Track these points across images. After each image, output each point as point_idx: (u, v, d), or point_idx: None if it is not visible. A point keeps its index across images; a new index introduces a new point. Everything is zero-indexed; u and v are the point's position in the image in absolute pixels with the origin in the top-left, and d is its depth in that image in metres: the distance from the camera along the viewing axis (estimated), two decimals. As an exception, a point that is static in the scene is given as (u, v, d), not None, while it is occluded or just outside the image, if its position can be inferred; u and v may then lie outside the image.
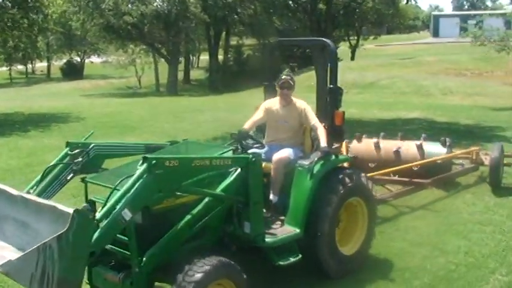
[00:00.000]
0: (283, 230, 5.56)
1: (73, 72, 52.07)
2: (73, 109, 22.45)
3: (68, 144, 5.67)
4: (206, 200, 5.02)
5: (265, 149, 6.24)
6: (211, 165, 4.94)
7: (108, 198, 4.48)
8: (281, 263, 5.35)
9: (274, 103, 6.42)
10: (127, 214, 4.27)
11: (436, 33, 74.51)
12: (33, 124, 18.31)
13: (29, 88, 41.78)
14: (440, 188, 9.20)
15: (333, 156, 5.99)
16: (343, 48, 43.16)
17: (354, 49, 45.40)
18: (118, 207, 4.26)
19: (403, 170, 9.04)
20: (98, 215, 4.22)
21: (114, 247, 4.77)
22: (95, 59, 56.55)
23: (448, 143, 9.75)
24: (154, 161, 4.42)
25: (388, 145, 9.92)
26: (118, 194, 4.37)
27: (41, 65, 61.30)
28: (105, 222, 4.19)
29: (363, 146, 10.10)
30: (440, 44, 53.77)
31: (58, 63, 57.22)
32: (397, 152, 9.62)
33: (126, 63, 42.59)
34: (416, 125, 16.01)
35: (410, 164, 9.12)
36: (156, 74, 39.66)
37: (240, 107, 21.54)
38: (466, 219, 7.94)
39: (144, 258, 4.61)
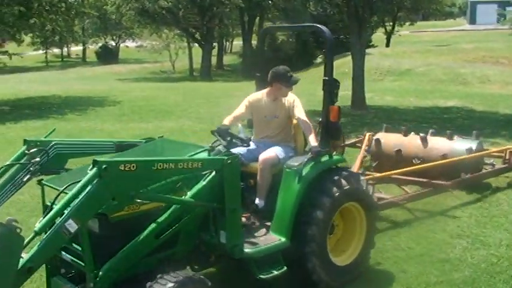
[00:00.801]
0: (267, 239, 5.02)
1: (108, 56, 52.56)
2: (109, 93, 22.67)
3: (25, 142, 5.05)
4: (174, 207, 4.43)
5: (253, 147, 5.62)
6: (177, 168, 4.31)
7: (53, 204, 4.02)
8: (262, 276, 4.82)
9: (261, 96, 5.81)
10: (72, 226, 3.72)
11: (472, 20, 72.98)
12: (70, 107, 18.54)
13: (65, 71, 42.32)
14: (465, 190, 8.39)
15: (326, 157, 5.36)
16: (379, 35, 42.60)
17: (389, 35, 44.80)
18: (62, 217, 3.74)
19: (425, 170, 8.18)
20: (37, 225, 3.74)
21: (70, 257, 4.33)
22: (129, 43, 57.00)
23: (478, 139, 8.98)
24: (105, 165, 3.85)
25: (415, 140, 9.15)
26: (63, 201, 3.85)
27: (76, 49, 62.01)
28: (45, 234, 3.70)
29: (391, 138, 9.46)
30: (476, 31, 52.70)
31: (93, 47, 57.85)
32: (423, 148, 8.90)
33: (160, 47, 42.88)
34: (454, 114, 15.75)
35: (427, 164, 8.26)
36: (190, 59, 39.78)
37: (274, 93, 21.45)
38: (507, 211, 7.77)
39: (100, 272, 4.11)
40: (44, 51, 53.99)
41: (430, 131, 9.46)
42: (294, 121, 5.68)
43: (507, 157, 9.02)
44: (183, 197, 4.48)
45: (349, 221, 5.63)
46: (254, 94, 5.89)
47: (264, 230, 5.16)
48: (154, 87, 26.92)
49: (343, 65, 28.40)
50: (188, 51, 40.62)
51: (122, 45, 57.65)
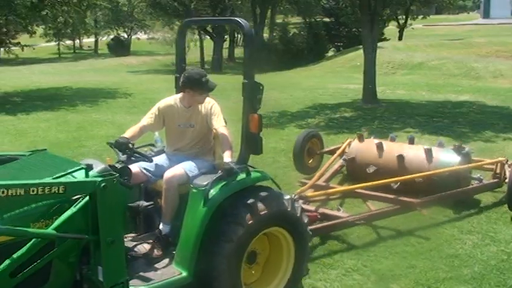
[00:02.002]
0: (166, 273, 4.33)
1: (120, 48, 52.64)
2: (120, 85, 22.72)
3: None
4: (35, 239, 3.66)
5: (163, 161, 5.02)
6: (28, 194, 3.48)
7: None
8: None
9: (173, 102, 5.07)
10: None
11: (486, 14, 72.25)
12: (81, 99, 18.59)
13: (77, 63, 42.43)
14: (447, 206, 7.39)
15: (242, 175, 4.58)
16: (391, 28, 42.35)
17: (402, 29, 44.50)
18: None
19: (405, 183, 7.35)
20: None
21: None
22: (141, 35, 57.08)
23: (464, 150, 7.77)
24: None
25: (392, 148, 8.16)
26: None
27: (88, 41, 62.20)
28: None
29: (364, 146, 8.49)
30: (490, 25, 52.21)
31: (105, 39, 57.97)
32: (400, 158, 7.82)
33: (171, 40, 42.91)
34: (466, 108, 15.63)
35: (396, 179, 7.27)
36: (201, 51, 39.77)
37: (284, 86, 21.44)
38: (518, 207, 7.71)
39: None
40: (56, 42, 54.15)
41: (408, 136, 8.65)
42: (215, 131, 4.96)
43: (498, 171, 7.91)
44: (45, 228, 3.72)
45: (275, 248, 4.91)
46: (165, 100, 5.14)
47: (166, 261, 4.50)
48: (165, 79, 26.82)
49: (355, 58, 28.37)
50: (199, 43, 40.62)
51: (133, 37, 57.73)
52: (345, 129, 12.66)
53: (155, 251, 4.57)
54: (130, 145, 4.62)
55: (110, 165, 4.22)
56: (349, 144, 8.68)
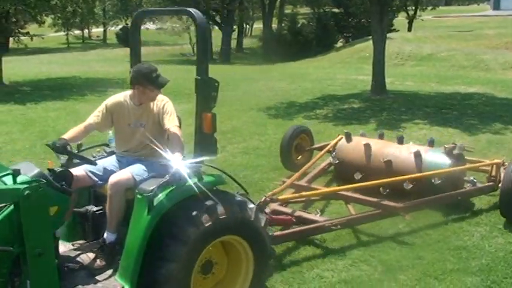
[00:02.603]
0: (105, 286, 4.05)
1: (128, 38, 52.63)
2: (128, 75, 22.66)
3: None
4: None
5: (112, 163, 4.68)
6: None
7: None
8: None
9: (123, 99, 4.72)
10: None
11: (497, 5, 71.61)
12: (90, 88, 18.63)
13: (85, 53, 42.52)
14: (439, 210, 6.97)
15: (193, 179, 4.16)
16: (401, 19, 42.13)
17: (411, 20, 44.25)
18: None
19: (393, 186, 6.92)
20: None
21: None
22: (149, 25, 57.01)
23: (457, 151, 7.30)
24: None
25: (380, 149, 7.71)
26: None
27: (97, 31, 62.22)
28: None
29: (352, 147, 8.04)
30: (500, 17, 51.83)
31: (114, 29, 58.00)
32: (388, 160, 7.42)
33: (180, 30, 42.92)
34: (475, 100, 15.55)
35: (381, 181, 6.75)
36: (210, 41, 39.74)
37: (293, 77, 21.41)
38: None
39: None
40: (65, 32, 54.23)
41: (397, 137, 8.09)
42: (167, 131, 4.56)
43: (493, 173, 7.39)
44: None
45: (234, 258, 4.54)
46: (114, 96, 4.81)
47: (109, 273, 4.17)
48: (173, 69, 26.92)
49: (363, 49, 28.26)
50: (208, 33, 40.60)
51: (142, 27, 57.65)
52: (354, 120, 12.64)
53: (98, 261, 4.27)
54: (69, 147, 4.29)
55: (49, 169, 4.07)
56: (339, 141, 8.23)
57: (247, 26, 55.93)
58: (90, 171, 4.49)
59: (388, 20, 21.10)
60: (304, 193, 6.51)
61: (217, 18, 37.07)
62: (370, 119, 12.80)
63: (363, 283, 5.24)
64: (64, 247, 4.48)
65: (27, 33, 23.28)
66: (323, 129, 11.56)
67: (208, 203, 4.10)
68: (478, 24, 43.50)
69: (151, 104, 4.63)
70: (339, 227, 5.99)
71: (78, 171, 4.42)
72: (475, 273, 5.46)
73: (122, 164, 4.63)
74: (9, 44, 26.46)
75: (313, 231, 5.98)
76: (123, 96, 4.76)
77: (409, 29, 42.10)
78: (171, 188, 4.08)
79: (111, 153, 4.94)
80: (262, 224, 4.49)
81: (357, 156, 7.80)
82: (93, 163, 4.47)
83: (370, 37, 18.42)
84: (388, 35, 20.38)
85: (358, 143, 7.94)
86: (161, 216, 3.99)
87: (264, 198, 5.78)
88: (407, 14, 43.34)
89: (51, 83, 20.98)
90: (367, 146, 7.73)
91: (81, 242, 4.59)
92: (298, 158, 8.67)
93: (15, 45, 22.67)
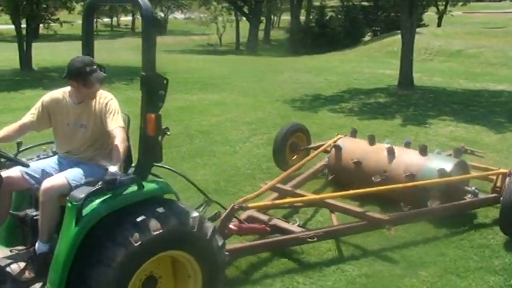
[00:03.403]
0: None
1: (156, 27, 52.88)
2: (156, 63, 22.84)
3: None
4: None
5: (53, 165, 4.20)
6: None
7: None
8: None
9: (61, 96, 4.23)
10: None
11: (530, 2, 70.59)
12: (117, 76, 18.75)
13: (113, 41, 42.77)
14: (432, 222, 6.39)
15: (132, 187, 3.78)
16: (430, 14, 41.65)
17: (441, 15, 43.71)
18: None
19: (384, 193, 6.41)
20: None
21: None
22: (178, 15, 57.21)
23: (457, 157, 6.89)
24: None
25: (381, 152, 7.08)
26: None
27: (125, 19, 62.59)
28: None
29: (352, 146, 7.48)
30: (534, 13, 51.03)
31: (142, 17, 58.27)
32: (387, 162, 6.91)
33: (208, 20, 43.01)
34: (504, 98, 15.34)
35: (369, 189, 6.30)
36: (237, 32, 39.73)
37: (319, 70, 21.33)
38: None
39: None
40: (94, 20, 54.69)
41: (405, 140, 7.48)
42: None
43: (498, 184, 6.74)
44: None
45: (180, 273, 4.11)
46: (52, 93, 4.29)
47: (37, 286, 3.76)
48: (201, 59, 27.03)
49: (392, 44, 27.99)
50: (235, 24, 40.55)
51: (170, 16, 57.90)
52: (379, 114, 12.56)
53: (27, 273, 3.82)
54: None
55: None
56: (334, 142, 7.65)
57: (275, 18, 55.73)
58: (27, 173, 4.02)
59: (418, 14, 20.89)
60: (282, 200, 6.03)
61: (245, 9, 37.01)
62: (396, 114, 12.70)
63: (383, 278, 5.23)
64: (1, 252, 4.09)
65: (57, 19, 23.51)
66: (348, 123, 11.50)
67: (148, 213, 3.69)
68: (509, 21, 42.87)
69: (93, 102, 4.14)
70: (315, 239, 5.40)
71: (13, 172, 4.01)
72: (497, 272, 5.41)
73: (63, 166, 4.15)
74: (39, 30, 26.77)
75: (283, 243, 5.50)
76: (62, 92, 4.25)
77: (439, 24, 41.61)
78: (105, 197, 3.64)
79: (56, 153, 4.44)
80: (208, 236, 3.95)
81: (358, 152, 7.26)
82: (24, 164, 3.98)
83: (399, 31, 18.28)
84: (417, 29, 20.14)
85: (361, 142, 7.46)
86: (90, 229, 3.59)
87: (232, 205, 5.19)
88: (438, 8, 42.85)
89: (79, 70, 21.16)
90: (368, 147, 7.25)
91: (20, 247, 4.16)
92: (293, 158, 8.11)
93: (45, 31, 22.98)
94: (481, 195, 6.63)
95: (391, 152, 6.94)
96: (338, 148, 7.46)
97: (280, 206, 6.29)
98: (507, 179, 6.61)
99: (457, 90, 16.67)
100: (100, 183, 3.65)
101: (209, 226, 4.02)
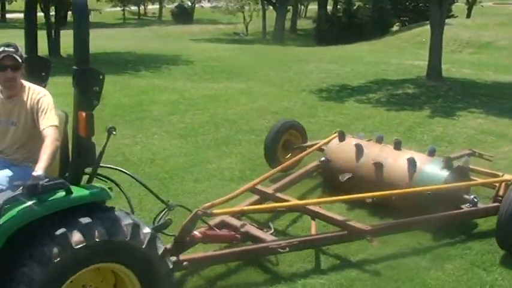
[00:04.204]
0: None
1: (183, 15, 53.08)
2: (182, 52, 22.94)
3: None
4: None
5: None
6: None
7: None
8: None
9: None
10: None
11: None
12: (144, 64, 18.90)
13: (141, 29, 43.02)
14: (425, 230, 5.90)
15: (59, 193, 3.33)
16: (460, 5, 41.05)
17: (470, 6, 43.09)
18: None
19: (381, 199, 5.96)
20: None
21: None
22: (204, 3, 57.33)
23: (457, 163, 6.40)
24: None
25: (373, 154, 6.60)
26: None
27: (152, 8, 62.91)
28: None
29: (343, 148, 6.93)
30: None
31: (169, 6, 58.51)
32: (378, 168, 6.39)
33: (234, 9, 43.00)
34: (535, 91, 15.08)
35: (350, 197, 5.90)
36: (264, 21, 39.66)
37: (346, 60, 21.17)
38: None
39: None
40: (122, 8, 55.01)
41: (394, 139, 6.80)
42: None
43: (501, 192, 6.07)
44: None
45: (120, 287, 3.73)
46: None
47: None
48: (227, 48, 27.03)
49: (420, 34, 27.66)
50: (262, 13, 40.48)
51: (197, 5, 58.04)
52: (407, 106, 12.44)
53: None
54: None
55: None
56: (329, 140, 7.15)
57: (302, 7, 55.45)
58: None
59: (447, 5, 20.60)
60: (255, 206, 5.49)
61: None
62: (424, 105, 12.56)
63: (409, 270, 5.19)
64: None
65: (86, 7, 23.65)
66: (375, 114, 11.43)
67: (60, 231, 3.23)
68: (541, 13, 42.04)
69: (24, 97, 3.80)
70: (287, 249, 4.90)
71: None
72: (526, 267, 5.33)
73: None
74: (67, 18, 27.01)
75: (251, 253, 5.02)
76: None
77: (468, 15, 41.04)
78: (25, 205, 3.19)
79: None
80: (145, 245, 3.50)
81: (345, 159, 6.74)
82: None
83: (428, 22, 18.05)
84: (446, 20, 19.89)
85: (350, 144, 6.87)
86: (7, 241, 3.18)
87: (195, 210, 4.66)
88: (467, -1, 42.24)
89: (107, 57, 21.34)
90: (359, 149, 6.69)
91: None
92: (287, 157, 7.47)
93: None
94: (481, 205, 6.07)
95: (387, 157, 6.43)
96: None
97: (251, 212, 5.61)
98: (511, 187, 5.81)
99: (486, 82, 16.43)
100: (19, 189, 3.21)
101: (147, 235, 3.54)
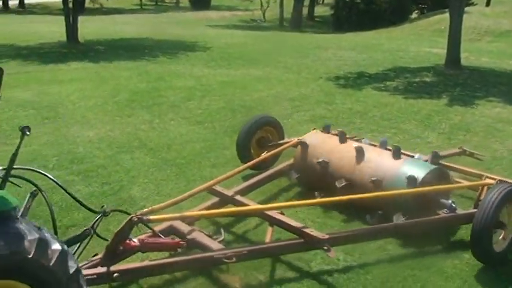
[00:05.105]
0: None
1: (201, 2, 52.86)
2: (199, 38, 22.96)
3: None
4: None
5: None
6: None
7: None
8: None
9: None
10: None
11: None
12: (162, 50, 18.93)
13: (158, 15, 43.04)
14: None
15: None
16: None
17: (490, -7, 42.49)
18: None
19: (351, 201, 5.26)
20: None
21: None
22: (222, -11, 57.11)
23: (436, 163, 5.77)
24: None
25: (351, 151, 5.95)
26: None
27: (170, -7, 62.85)
28: None
29: (324, 143, 6.34)
30: None
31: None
32: (355, 164, 5.85)
33: (251, -5, 42.74)
34: (555, 79, 14.89)
35: (321, 200, 5.51)
36: (281, 8, 39.41)
37: (364, 47, 21.04)
38: None
39: None
40: (139, -6, 55.02)
41: (381, 139, 6.34)
42: None
43: (482, 197, 5.34)
44: None
45: None
46: None
47: None
48: (244, 35, 26.97)
49: (439, 22, 27.42)
50: (279, 0, 40.25)
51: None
52: (425, 94, 12.34)
53: None
54: None
55: None
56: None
57: (320, -6, 55.11)
58: None
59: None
60: (185, 213, 4.68)
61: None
62: (442, 93, 12.45)
63: (426, 259, 5.15)
64: None
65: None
66: (393, 102, 11.35)
67: None
68: None
69: None
70: (233, 259, 4.31)
71: None
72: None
73: None
74: (85, 3, 27.11)
75: (191, 264, 4.36)
76: None
77: (488, 4, 40.49)
78: None
79: None
80: (52, 262, 3.06)
81: (326, 151, 6.18)
82: None
83: (447, 9, 17.86)
84: (466, 8, 19.67)
85: (332, 138, 6.38)
86: None
87: (129, 218, 4.09)
88: (487, -13, 41.66)
89: (124, 43, 21.45)
90: (338, 145, 6.21)
91: None
92: (262, 155, 6.71)
93: (91, 5, 23.22)
94: (461, 211, 5.39)
95: (359, 153, 5.89)
96: (304, 146, 6.38)
97: (192, 217, 4.91)
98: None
99: (506, 71, 16.23)
100: None
101: (55, 252, 3.09)
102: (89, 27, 24.78)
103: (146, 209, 4.40)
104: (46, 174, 3.82)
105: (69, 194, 3.91)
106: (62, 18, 21.07)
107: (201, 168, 7.15)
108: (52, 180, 3.87)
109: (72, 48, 19.11)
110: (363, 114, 10.19)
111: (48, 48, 19.39)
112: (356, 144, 6.08)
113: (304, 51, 19.48)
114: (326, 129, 6.64)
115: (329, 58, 17.84)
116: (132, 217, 4.10)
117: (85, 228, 3.96)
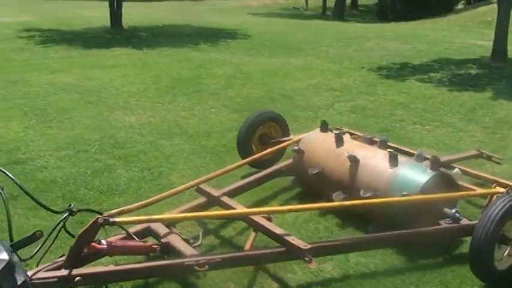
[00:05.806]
0: None
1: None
2: (240, 26, 22.94)
3: None
4: None
5: None
6: None
7: None
8: None
9: None
10: None
11: None
12: (203, 38, 18.99)
13: (199, 3, 43.18)
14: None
15: None
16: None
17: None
18: None
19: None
20: None
21: None
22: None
23: (436, 168, 4.87)
24: None
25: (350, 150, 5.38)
26: None
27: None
28: None
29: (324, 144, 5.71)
30: None
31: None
32: (351, 167, 5.21)
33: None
34: None
35: (313, 206, 4.76)
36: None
37: (408, 38, 20.71)
38: None
39: None
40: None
41: (379, 139, 5.63)
42: None
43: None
44: None
45: None
46: None
47: None
48: (285, 23, 26.85)
49: (486, 13, 26.79)
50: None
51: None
52: (469, 86, 12.07)
53: None
54: None
55: None
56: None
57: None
58: None
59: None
60: (153, 217, 4.06)
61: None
62: (487, 86, 12.16)
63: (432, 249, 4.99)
64: None
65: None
66: (436, 94, 11.14)
67: None
68: None
69: None
70: (206, 267, 3.91)
71: None
72: None
73: None
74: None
75: (159, 270, 3.96)
76: None
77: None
78: None
79: None
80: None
81: (325, 153, 5.62)
82: None
83: (494, 0, 17.41)
84: (515, -2, 19.12)
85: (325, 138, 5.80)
86: None
87: (94, 219, 3.71)
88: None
89: (166, 30, 21.60)
90: (332, 146, 5.62)
91: None
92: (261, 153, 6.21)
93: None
94: (464, 221, 4.76)
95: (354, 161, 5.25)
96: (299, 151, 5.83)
97: (161, 220, 4.34)
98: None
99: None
100: None
101: (1, 260, 2.92)
102: (132, 14, 25.05)
103: (115, 210, 4.08)
104: (6, 172, 3.55)
105: (26, 193, 3.56)
106: (107, 4, 21.33)
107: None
108: (11, 178, 3.53)
109: (116, 34, 19.34)
110: (405, 105, 10.03)
111: (92, 34, 19.68)
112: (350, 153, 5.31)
113: (346, 40, 19.29)
114: (324, 128, 5.98)
115: (372, 48, 17.61)
116: (97, 218, 3.74)
117: (35, 230, 3.55)
